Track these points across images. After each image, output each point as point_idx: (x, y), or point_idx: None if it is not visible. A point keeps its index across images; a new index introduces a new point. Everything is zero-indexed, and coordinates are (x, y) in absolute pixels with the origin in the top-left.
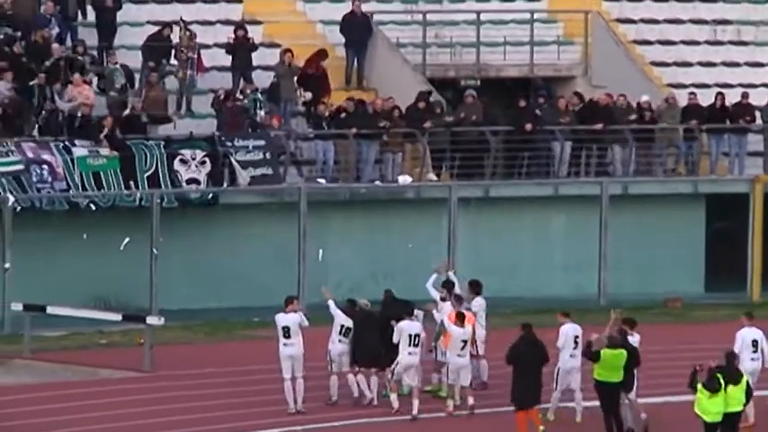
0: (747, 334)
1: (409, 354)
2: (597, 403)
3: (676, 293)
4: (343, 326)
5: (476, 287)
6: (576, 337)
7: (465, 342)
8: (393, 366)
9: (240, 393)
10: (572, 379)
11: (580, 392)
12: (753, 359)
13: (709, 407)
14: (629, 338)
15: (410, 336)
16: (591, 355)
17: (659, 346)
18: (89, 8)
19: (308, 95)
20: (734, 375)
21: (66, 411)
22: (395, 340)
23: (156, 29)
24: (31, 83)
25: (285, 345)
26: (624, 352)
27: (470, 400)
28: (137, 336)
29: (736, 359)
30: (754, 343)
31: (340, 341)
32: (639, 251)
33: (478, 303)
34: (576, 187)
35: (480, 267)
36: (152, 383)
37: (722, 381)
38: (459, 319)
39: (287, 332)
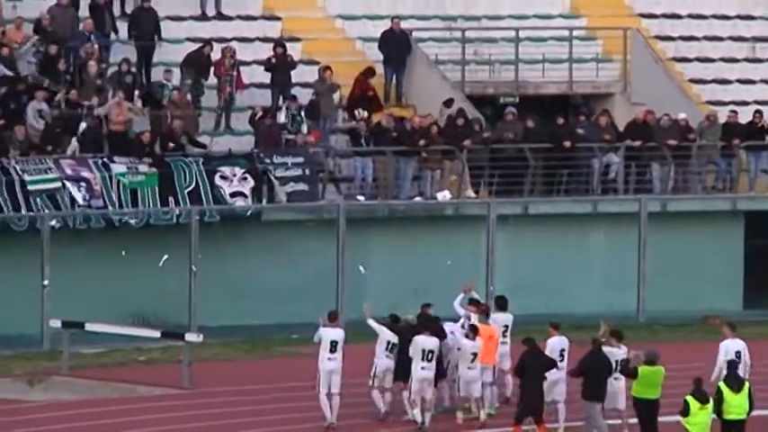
0: (731, 345)
1: (422, 368)
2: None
3: (715, 311)
4: (389, 342)
5: (500, 303)
6: (563, 350)
7: (475, 355)
8: (408, 384)
9: (279, 410)
10: (556, 391)
11: (564, 405)
12: (737, 369)
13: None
14: (616, 350)
15: (423, 351)
16: (629, 371)
17: (699, 363)
18: (126, 25)
19: (365, 114)
20: (736, 383)
21: (105, 429)
22: (410, 354)
23: (195, 46)
24: (70, 100)
25: (329, 359)
26: (662, 369)
27: (482, 415)
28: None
29: (702, 384)
30: (737, 354)
31: (387, 357)
32: (678, 268)
33: (502, 319)
34: (615, 204)
35: (519, 284)
36: (191, 401)
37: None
38: (472, 331)
39: (334, 346)
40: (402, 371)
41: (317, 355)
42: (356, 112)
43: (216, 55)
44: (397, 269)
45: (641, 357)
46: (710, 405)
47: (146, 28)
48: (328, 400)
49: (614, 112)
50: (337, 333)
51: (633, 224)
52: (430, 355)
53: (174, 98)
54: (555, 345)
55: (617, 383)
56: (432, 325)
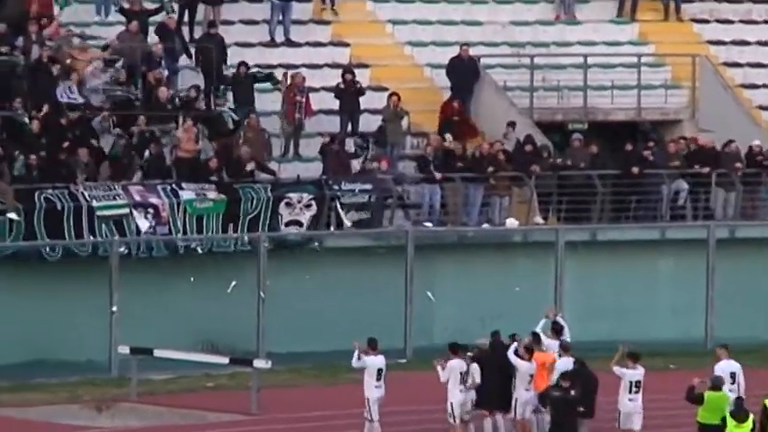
0: (725, 367)
1: (459, 391)
2: None
3: None
4: (462, 372)
5: (556, 330)
6: (733, 373)
7: (532, 376)
8: (449, 410)
9: None
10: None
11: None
12: (730, 391)
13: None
14: (633, 371)
15: (461, 373)
16: (695, 398)
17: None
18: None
19: (449, 138)
20: (740, 414)
21: None
22: (442, 379)
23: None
24: (139, 125)
25: (376, 386)
26: (726, 394)
27: None
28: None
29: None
30: (732, 375)
31: (461, 391)
32: (746, 295)
33: (554, 345)
34: (683, 231)
35: (587, 311)
36: (259, 427)
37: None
38: (528, 352)
39: (380, 374)
40: (485, 397)
41: (363, 383)
42: (444, 136)
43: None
44: (465, 296)
45: (707, 383)
46: (748, 424)
47: (213, 54)
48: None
49: (682, 138)
50: (381, 360)
51: (701, 251)
52: (465, 377)
53: (247, 124)
54: (559, 367)
55: (632, 404)
56: (459, 349)
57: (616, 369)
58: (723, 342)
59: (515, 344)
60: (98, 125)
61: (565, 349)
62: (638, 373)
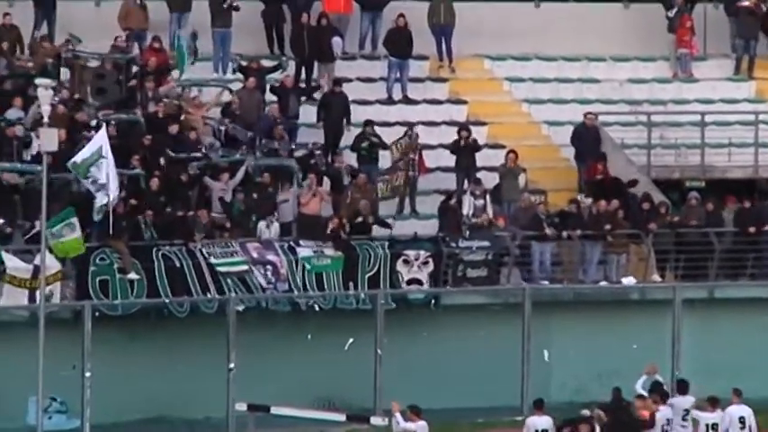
0: (735, 411)
1: None
2: None
3: None
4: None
5: (681, 386)
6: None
7: (715, 427)
8: None
9: None
10: None
11: None
12: None
13: None
14: (708, 414)
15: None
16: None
17: None
18: (315, 109)
19: (588, 201)
20: None
21: None
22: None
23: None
24: (260, 183)
25: None
26: None
27: None
28: None
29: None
30: (741, 420)
31: None
32: None
33: (682, 402)
34: None
35: (706, 369)
36: None
37: None
38: (711, 404)
39: None
40: None
41: None
42: (579, 197)
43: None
44: (582, 353)
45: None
46: None
47: (336, 112)
48: None
49: None
50: (545, 421)
51: None
52: None
53: (358, 181)
54: (660, 416)
55: None
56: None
57: (694, 412)
58: None
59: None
60: (214, 183)
61: (737, 394)
62: (713, 416)
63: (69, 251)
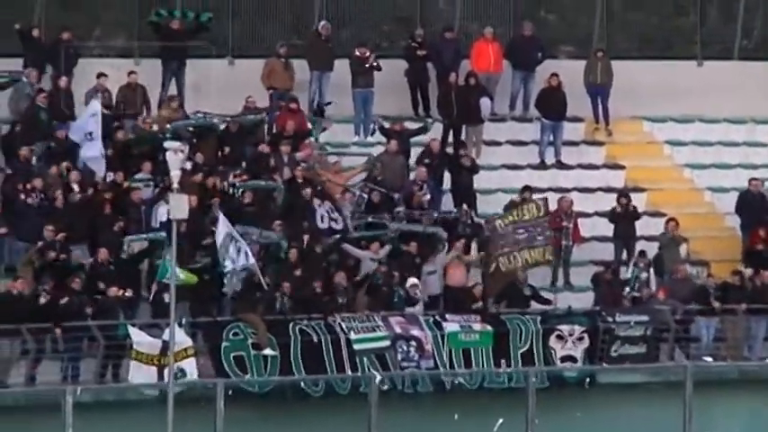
0: None
1: None
2: None
3: None
4: None
5: None
6: None
7: None
8: None
9: None
10: None
11: None
12: None
13: None
14: None
15: None
16: None
17: None
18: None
19: (749, 272)
20: None
21: None
22: None
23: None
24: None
25: None
26: None
27: None
28: None
29: None
30: None
31: None
32: None
33: None
34: None
35: None
36: None
37: None
38: None
39: None
40: None
41: None
42: (739, 267)
43: (552, 206)
44: None
45: None
46: None
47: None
48: None
49: None
50: None
51: None
52: None
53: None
54: None
55: None
56: None
57: None
58: None
59: None
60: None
61: None
62: None
63: (189, 280)
